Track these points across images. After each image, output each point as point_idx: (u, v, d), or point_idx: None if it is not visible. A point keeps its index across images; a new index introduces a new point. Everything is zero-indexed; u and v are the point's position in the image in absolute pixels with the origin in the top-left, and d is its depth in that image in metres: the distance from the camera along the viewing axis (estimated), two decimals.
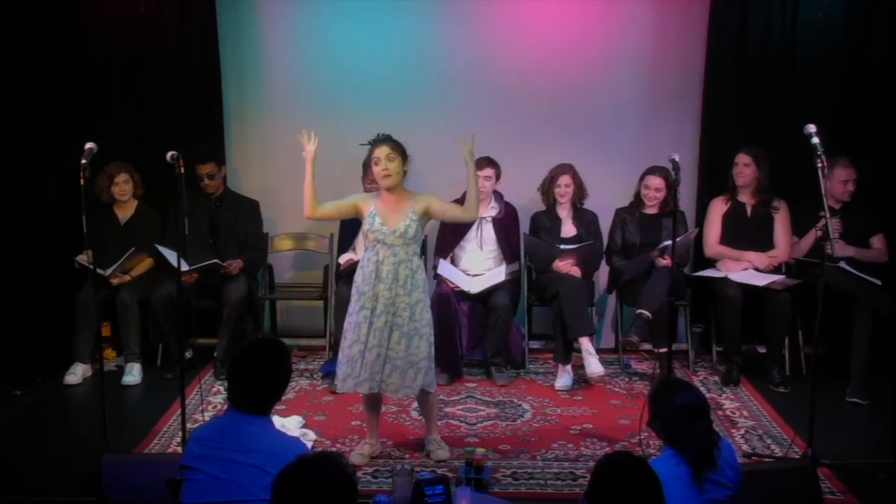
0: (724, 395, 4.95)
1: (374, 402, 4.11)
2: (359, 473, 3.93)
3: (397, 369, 3.93)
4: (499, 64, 5.71)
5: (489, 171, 5.19)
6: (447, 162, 5.58)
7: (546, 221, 5.36)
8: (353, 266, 5.10)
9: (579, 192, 5.30)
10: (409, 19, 5.67)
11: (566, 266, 5.17)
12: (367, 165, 5.16)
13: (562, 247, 5.16)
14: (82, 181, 3.75)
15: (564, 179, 5.25)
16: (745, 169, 5.23)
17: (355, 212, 4.03)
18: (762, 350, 5.37)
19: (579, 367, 5.15)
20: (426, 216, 4.01)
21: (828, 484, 3.82)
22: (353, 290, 4.01)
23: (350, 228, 5.34)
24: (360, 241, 5.29)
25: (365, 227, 3.98)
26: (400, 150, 3.96)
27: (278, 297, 5.85)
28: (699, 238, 5.39)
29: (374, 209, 3.96)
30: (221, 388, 4.99)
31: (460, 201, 5.27)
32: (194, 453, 2.73)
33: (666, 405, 2.78)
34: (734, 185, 5.29)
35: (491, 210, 5.32)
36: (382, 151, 3.94)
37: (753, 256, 5.22)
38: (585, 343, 4.95)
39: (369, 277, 3.93)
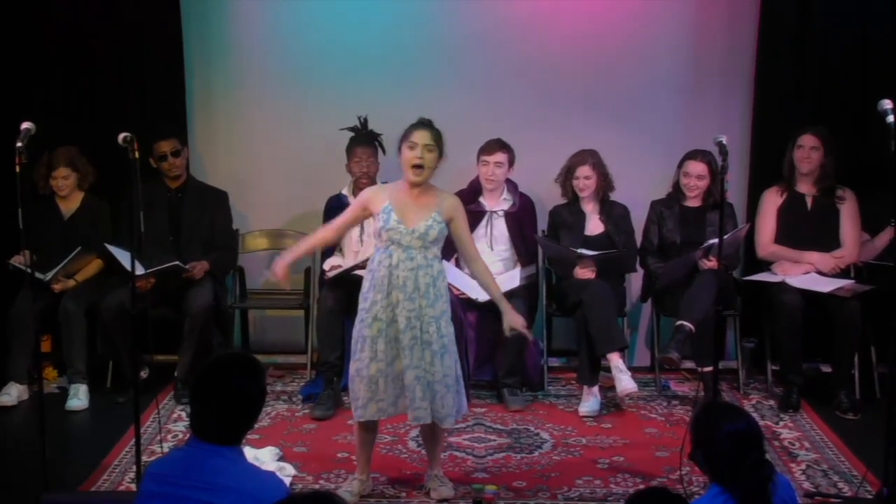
0: (781, 423, 4.94)
1: (370, 429, 4.11)
2: None
3: (437, 394, 3.95)
4: (514, 30, 5.70)
5: (500, 157, 5.19)
6: (451, 147, 5.59)
7: (567, 217, 5.35)
8: (340, 275, 5.11)
9: (603, 185, 5.29)
10: None
11: (586, 274, 5.17)
12: (352, 145, 5.19)
13: (579, 251, 5.15)
14: (17, 168, 3.74)
15: (583, 171, 5.24)
16: (812, 153, 5.21)
17: (365, 213, 4.01)
18: (827, 369, 5.36)
19: (608, 389, 5.15)
20: (448, 224, 3.96)
21: None
22: (361, 298, 4.00)
23: None
24: (347, 241, 5.29)
25: (378, 223, 3.93)
26: (440, 143, 3.93)
27: (251, 306, 5.85)
28: (750, 235, 5.38)
29: (389, 203, 3.92)
30: (183, 414, 4.98)
31: (465, 193, 5.30)
32: (151, 491, 2.72)
33: (712, 433, 2.77)
34: (792, 173, 5.29)
35: (503, 203, 5.32)
36: (423, 137, 3.89)
37: (816, 257, 5.21)
38: (615, 360, 4.94)
39: (381, 284, 3.92)
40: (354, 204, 4.09)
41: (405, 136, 3.94)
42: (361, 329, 3.97)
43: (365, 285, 4.00)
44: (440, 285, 3.96)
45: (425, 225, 3.90)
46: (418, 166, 3.88)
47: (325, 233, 4.17)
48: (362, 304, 3.99)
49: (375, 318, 3.93)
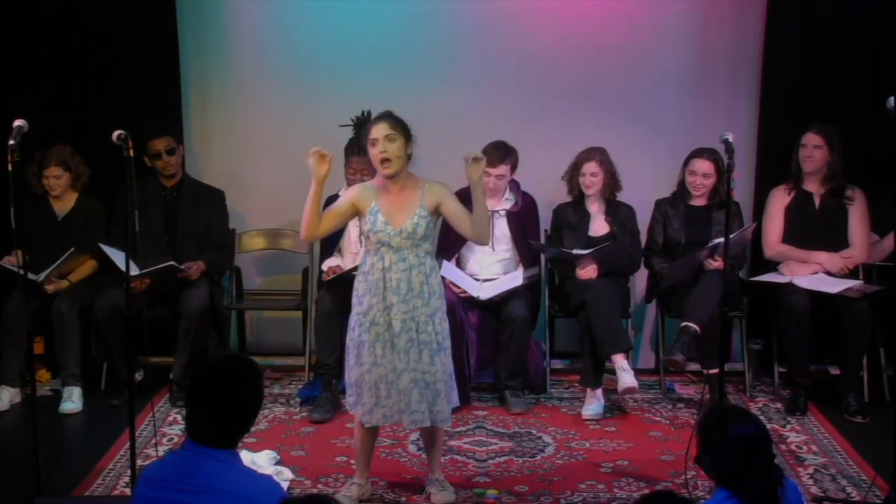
0: (788, 427, 4.94)
1: (371, 433, 4.12)
2: None
3: (440, 393, 3.97)
4: (515, 27, 5.70)
5: (503, 170, 5.13)
6: (452, 144, 5.56)
7: (571, 216, 5.34)
8: (338, 276, 5.10)
9: (610, 183, 5.28)
10: None
11: (588, 274, 5.16)
12: (349, 152, 5.17)
13: (575, 251, 5.15)
14: (10, 166, 3.74)
15: (590, 167, 5.23)
16: (814, 152, 5.21)
17: (354, 212, 4.03)
18: (835, 371, 5.35)
19: (611, 392, 5.14)
20: (436, 213, 4.00)
21: None
22: (355, 301, 4.03)
23: None
24: (346, 242, 5.29)
25: (365, 227, 3.98)
26: (402, 129, 3.96)
27: (247, 307, 5.85)
28: (757, 235, 5.38)
29: (374, 205, 3.95)
30: (179, 417, 4.98)
31: (466, 192, 5.29)
32: (145, 496, 2.72)
33: (719, 436, 2.78)
34: (799, 172, 5.28)
35: (505, 202, 5.31)
36: (380, 130, 3.92)
37: (824, 257, 5.20)
38: (619, 361, 4.94)
39: (376, 287, 3.94)
40: (345, 197, 4.08)
41: (365, 135, 3.99)
42: (360, 333, 3.99)
43: (359, 288, 4.01)
44: (433, 282, 3.98)
45: (412, 223, 3.91)
46: (385, 160, 3.90)
47: (321, 217, 3.98)
48: (357, 308, 4.01)
49: (373, 323, 3.95)
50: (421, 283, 3.94)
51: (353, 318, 4.03)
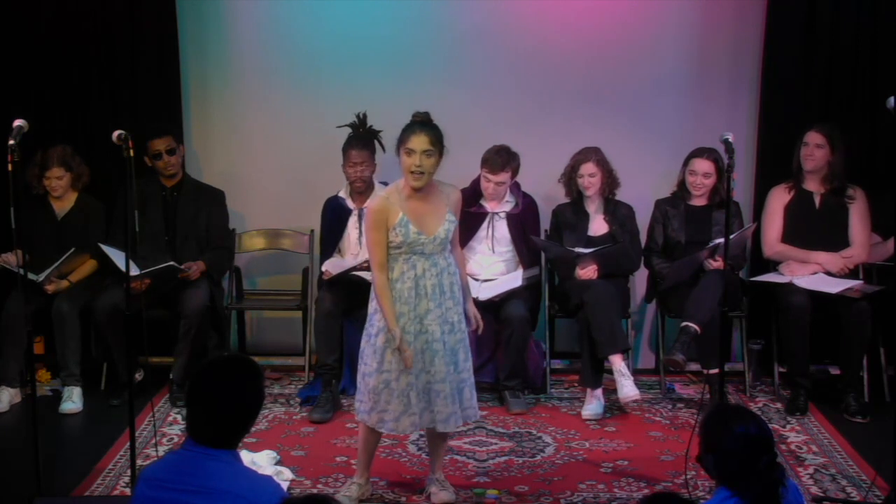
0: (788, 427, 4.94)
1: (377, 435, 4.11)
2: None
3: (463, 391, 4.00)
4: (516, 26, 5.69)
5: (503, 177, 5.13)
6: (452, 144, 5.53)
7: (571, 217, 5.34)
8: (338, 275, 5.10)
9: (608, 183, 5.28)
10: None
11: (588, 274, 5.16)
12: (346, 147, 5.16)
13: (577, 250, 5.14)
14: (10, 166, 3.74)
15: (588, 168, 5.23)
16: (816, 150, 5.21)
17: (388, 227, 3.90)
18: (835, 371, 5.35)
19: (611, 392, 5.14)
20: None
21: None
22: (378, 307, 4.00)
23: (334, 226, 5.32)
24: (346, 243, 5.28)
25: (396, 238, 3.88)
26: (440, 144, 3.88)
27: (247, 307, 5.85)
28: (757, 235, 5.38)
29: (402, 215, 3.89)
30: (179, 417, 4.98)
31: (466, 193, 5.29)
32: (145, 495, 2.72)
33: (722, 435, 2.78)
34: (800, 171, 5.28)
35: (505, 204, 5.30)
36: (420, 143, 3.83)
37: (824, 257, 5.20)
38: (617, 362, 4.94)
39: (409, 296, 3.91)
40: (376, 224, 3.88)
41: (402, 140, 3.90)
42: (387, 341, 3.91)
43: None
44: (456, 280, 4.02)
45: (444, 229, 3.93)
46: (418, 174, 3.86)
47: (383, 272, 3.91)
48: (381, 314, 3.93)
49: (403, 331, 3.89)
50: (451, 284, 3.96)
51: (375, 324, 3.96)
